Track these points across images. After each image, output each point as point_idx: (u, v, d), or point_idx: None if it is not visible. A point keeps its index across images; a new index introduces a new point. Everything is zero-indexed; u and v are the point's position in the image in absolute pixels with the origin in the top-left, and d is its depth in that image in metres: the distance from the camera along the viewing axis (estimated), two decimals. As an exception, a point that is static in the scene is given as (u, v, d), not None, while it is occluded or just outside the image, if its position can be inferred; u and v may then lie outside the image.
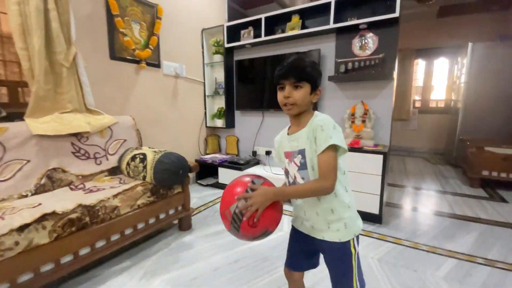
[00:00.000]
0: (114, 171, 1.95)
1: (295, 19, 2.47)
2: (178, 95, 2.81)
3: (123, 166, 1.86)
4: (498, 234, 1.88)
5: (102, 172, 1.89)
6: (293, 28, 2.47)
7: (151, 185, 1.68)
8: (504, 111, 3.47)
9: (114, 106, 2.21)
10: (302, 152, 0.80)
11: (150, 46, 2.39)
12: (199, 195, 2.70)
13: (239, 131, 3.16)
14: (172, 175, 1.67)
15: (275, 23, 2.65)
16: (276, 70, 0.83)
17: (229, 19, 3.06)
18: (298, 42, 2.57)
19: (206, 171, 3.12)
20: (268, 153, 2.88)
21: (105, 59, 2.12)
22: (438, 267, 1.50)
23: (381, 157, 1.93)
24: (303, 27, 2.46)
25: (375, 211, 2.01)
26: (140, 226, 1.64)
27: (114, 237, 1.52)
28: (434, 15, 4.67)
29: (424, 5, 3.87)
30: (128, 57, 2.27)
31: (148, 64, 2.43)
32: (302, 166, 0.81)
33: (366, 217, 2.07)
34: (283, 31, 2.58)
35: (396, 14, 1.94)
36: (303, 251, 0.92)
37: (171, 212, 1.84)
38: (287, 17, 2.51)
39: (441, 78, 5.19)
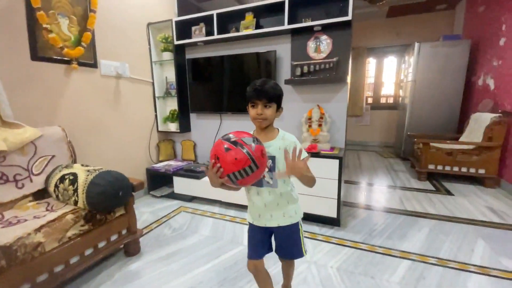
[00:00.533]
0: (40, 195, 1.65)
1: (249, 17, 2.33)
2: (121, 98, 2.51)
3: (51, 188, 1.57)
4: (447, 229, 2.01)
5: (25, 197, 1.59)
6: (247, 27, 2.34)
7: (84, 211, 1.44)
8: (447, 108, 3.80)
9: (39, 115, 1.86)
10: (272, 158, 1.00)
11: (83, 43, 2.06)
12: (151, 208, 2.47)
13: (196, 135, 2.96)
14: (110, 199, 1.44)
15: (229, 20, 2.48)
16: (249, 89, 1.00)
17: (180, 13, 2.81)
18: (253, 41, 2.45)
19: (160, 181, 2.88)
20: (226, 158, 2.74)
21: (25, 60, 1.76)
22: (394, 271, 1.53)
23: (337, 161, 1.93)
24: (258, 26, 2.34)
25: (333, 214, 2.01)
26: (74, 260, 1.40)
27: (41, 278, 1.27)
28: (384, 15, 4.90)
29: (375, 5, 4.02)
30: (55, 57, 1.92)
31: (81, 64, 2.10)
32: (272, 169, 1.01)
33: (324, 220, 2.07)
34: (237, 30, 2.43)
35: (349, 17, 1.92)
36: (260, 241, 1.12)
37: (114, 238, 1.61)
38: (241, 14, 2.37)
39: (390, 75, 5.53)
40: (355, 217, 2.24)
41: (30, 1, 1.72)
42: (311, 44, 2.19)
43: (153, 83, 2.85)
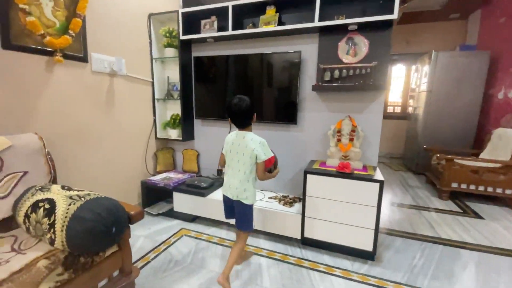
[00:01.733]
0: (6, 224, 1.26)
1: (271, 11, 2.01)
2: (116, 99, 2.12)
3: (20, 218, 1.19)
4: (495, 265, 1.74)
5: (-17, 227, 1.20)
6: (268, 23, 2.01)
7: (63, 253, 1.06)
8: (464, 121, 3.59)
9: (10, 119, 1.47)
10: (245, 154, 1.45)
11: (70, 32, 1.68)
12: (147, 231, 2.09)
13: (199, 143, 2.60)
14: (99, 238, 1.07)
15: (245, 14, 2.15)
16: (228, 107, 1.46)
17: (185, 5, 2.46)
18: (273, 40, 2.13)
19: (156, 195, 2.49)
20: (235, 172, 2.40)
21: (-9, 47, 1.37)
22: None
23: (376, 186, 1.62)
24: (280, 22, 2.02)
25: (368, 247, 1.70)
26: (47, 321, 1.02)
27: None
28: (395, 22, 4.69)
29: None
30: (33, 46, 1.54)
31: (68, 56, 1.72)
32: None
33: (357, 253, 1.75)
34: (254, 25, 2.10)
35: (394, 16, 1.63)
36: (229, 207, 1.57)
37: (102, 283, 1.24)
38: (260, 8, 2.04)
39: (398, 84, 5.33)
40: (388, 247, 1.93)
41: (3, -27, 1.34)
42: (343, 46, 1.89)
43: (152, 83, 2.48)
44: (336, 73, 1.86)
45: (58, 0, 1.63)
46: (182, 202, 2.26)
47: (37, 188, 1.26)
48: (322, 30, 1.92)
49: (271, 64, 2.09)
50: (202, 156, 2.60)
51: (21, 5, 1.41)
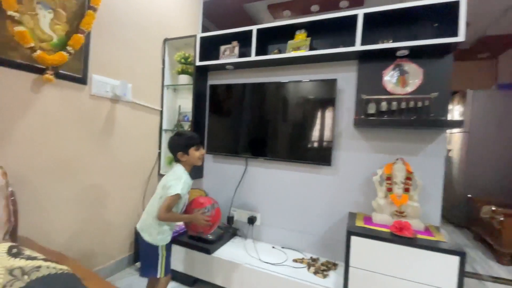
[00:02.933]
0: None
1: (301, 36, 1.75)
2: (115, 128, 1.81)
3: None
4: None
5: None
6: (298, 48, 1.74)
7: None
8: (507, 165, 3.12)
9: (-31, 147, 1.14)
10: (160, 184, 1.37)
11: (69, 48, 1.43)
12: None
13: (209, 182, 2.20)
14: None
15: (271, 39, 1.91)
16: (194, 138, 1.39)
17: (204, 31, 2.27)
18: (301, 68, 1.84)
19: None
20: (251, 221, 1.95)
21: (-39, 57, 1.10)
22: None
23: (455, 260, 1.15)
24: (311, 48, 1.75)
25: None
26: None
27: None
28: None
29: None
30: (17, 60, 1.27)
31: (62, 76, 1.45)
32: None
33: None
34: (280, 51, 1.84)
35: (460, 38, 1.32)
36: None
37: None
38: (288, 32, 1.79)
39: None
40: None
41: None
42: (390, 74, 1.57)
43: (161, 112, 2.19)
44: (384, 105, 1.51)
45: (60, 13, 1.42)
46: (181, 258, 1.79)
47: (-24, 248, 0.86)
48: (363, 56, 1.62)
49: (299, 93, 1.78)
50: (211, 199, 2.18)
51: (10, 12, 1.17)
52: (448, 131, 3.84)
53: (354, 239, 1.31)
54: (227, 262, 1.64)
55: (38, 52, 1.29)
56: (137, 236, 1.35)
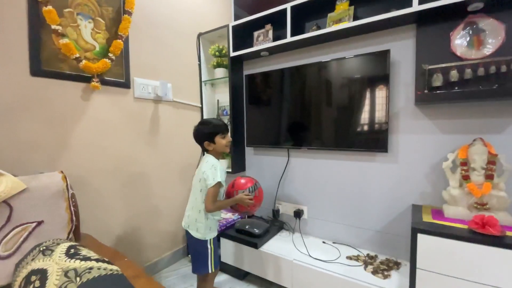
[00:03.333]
0: (6, 293, 0.97)
1: (342, 5, 1.54)
2: (160, 129, 1.87)
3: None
4: None
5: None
6: (340, 20, 1.54)
7: None
8: None
9: (36, 155, 1.27)
10: (196, 177, 1.34)
11: (111, 55, 1.49)
12: (188, 291, 1.68)
13: (251, 175, 2.15)
14: None
15: (307, 15, 1.73)
16: (219, 125, 1.32)
17: (236, 19, 2.18)
18: (345, 43, 1.63)
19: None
20: (298, 214, 1.85)
21: (22, 75, 1.22)
22: None
23: None
24: (355, 18, 1.53)
25: None
26: None
27: None
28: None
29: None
30: (67, 72, 1.36)
31: (107, 82, 1.52)
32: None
33: None
34: (319, 27, 1.65)
35: None
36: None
37: None
38: (326, 4, 1.59)
39: None
40: None
41: (35, -7, 1.20)
42: (460, 35, 1.27)
43: (201, 108, 2.21)
44: (454, 74, 1.22)
45: (99, 21, 1.48)
46: (230, 251, 1.79)
47: (41, 249, 0.95)
48: (423, 18, 1.34)
49: (344, 73, 1.58)
50: (256, 192, 2.14)
51: (53, 27, 1.25)
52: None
53: (421, 237, 1.11)
54: (275, 257, 1.58)
55: (83, 61, 1.36)
56: (186, 234, 1.36)
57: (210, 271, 1.31)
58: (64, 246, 0.94)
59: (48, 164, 1.30)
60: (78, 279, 0.75)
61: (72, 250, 0.91)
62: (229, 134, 1.37)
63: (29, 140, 1.24)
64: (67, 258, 0.86)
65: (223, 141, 1.31)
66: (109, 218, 1.56)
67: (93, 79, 1.43)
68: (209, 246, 1.30)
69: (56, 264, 0.84)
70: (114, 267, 0.84)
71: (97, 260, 0.86)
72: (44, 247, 0.95)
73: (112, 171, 1.58)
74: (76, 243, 1.00)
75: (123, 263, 0.99)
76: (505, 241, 0.99)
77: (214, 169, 1.25)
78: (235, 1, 2.52)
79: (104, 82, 1.50)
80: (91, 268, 0.80)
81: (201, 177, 1.28)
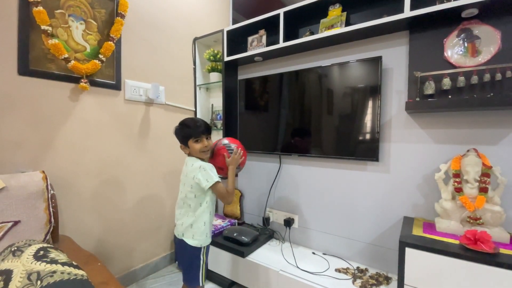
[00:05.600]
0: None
1: (335, 11, 1.52)
2: (151, 131, 1.86)
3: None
4: None
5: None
6: (332, 26, 1.52)
7: None
8: None
9: (19, 154, 1.26)
10: (186, 184, 1.25)
11: (101, 56, 1.49)
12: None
13: (243, 182, 2.12)
14: None
15: (301, 21, 1.72)
16: (192, 128, 1.20)
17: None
18: (337, 49, 1.61)
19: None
20: (288, 223, 1.80)
21: (9, 74, 1.22)
22: None
23: None
24: (347, 24, 1.50)
25: None
26: None
27: None
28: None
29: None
30: (55, 72, 1.36)
31: (96, 83, 1.52)
32: None
33: None
34: (312, 33, 1.63)
35: None
36: (177, 249, 1.34)
37: None
38: (320, 10, 1.58)
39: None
40: None
41: (26, -7, 1.21)
42: (453, 42, 1.23)
43: (195, 112, 2.20)
44: (446, 82, 1.18)
45: (91, 23, 1.48)
46: (217, 259, 1.75)
47: (12, 249, 0.93)
48: (415, 24, 1.31)
49: (333, 79, 1.55)
50: (247, 198, 2.10)
51: (43, 27, 1.25)
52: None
53: (409, 252, 1.06)
54: (261, 267, 1.53)
55: (72, 62, 1.36)
56: (177, 245, 1.28)
57: (200, 284, 1.23)
58: (34, 247, 0.91)
59: (31, 164, 1.28)
60: (38, 282, 0.72)
61: (42, 252, 0.88)
62: (207, 138, 1.23)
63: (13, 139, 1.24)
64: (34, 260, 0.83)
65: (197, 146, 1.19)
66: (91, 221, 1.53)
67: (82, 80, 1.43)
68: (201, 258, 1.23)
69: (22, 265, 0.81)
70: (80, 272, 0.81)
71: (63, 264, 0.82)
72: (15, 248, 0.93)
73: (98, 173, 1.56)
74: (49, 245, 0.97)
75: (94, 268, 0.95)
76: (497, 259, 0.93)
77: (203, 170, 1.16)
78: (234, 6, 2.53)
79: (93, 83, 1.50)
80: (54, 272, 0.77)
81: (192, 184, 1.18)
